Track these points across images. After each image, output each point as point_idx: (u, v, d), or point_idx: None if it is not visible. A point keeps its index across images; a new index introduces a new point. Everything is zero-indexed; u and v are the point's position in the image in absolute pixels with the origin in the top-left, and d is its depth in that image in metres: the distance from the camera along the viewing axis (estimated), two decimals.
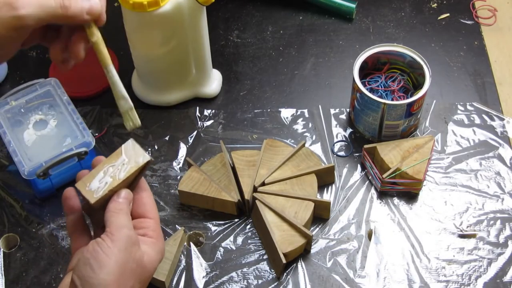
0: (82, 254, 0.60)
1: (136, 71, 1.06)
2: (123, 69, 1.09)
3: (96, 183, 0.65)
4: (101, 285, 0.57)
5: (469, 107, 1.02)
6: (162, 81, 1.02)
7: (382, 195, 0.93)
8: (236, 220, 0.92)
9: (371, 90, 0.98)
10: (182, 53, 0.98)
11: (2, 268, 0.88)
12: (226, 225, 0.91)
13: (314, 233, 0.90)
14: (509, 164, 0.95)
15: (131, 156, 0.67)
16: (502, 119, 1.00)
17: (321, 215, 0.91)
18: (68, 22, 0.62)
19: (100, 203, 0.65)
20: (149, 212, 0.66)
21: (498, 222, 0.90)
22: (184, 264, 0.88)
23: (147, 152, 0.99)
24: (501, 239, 0.88)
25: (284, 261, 0.83)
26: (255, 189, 0.91)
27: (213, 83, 1.05)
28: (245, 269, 0.87)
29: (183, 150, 1.00)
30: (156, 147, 1.00)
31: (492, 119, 1.00)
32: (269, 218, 0.87)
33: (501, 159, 0.96)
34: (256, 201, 0.89)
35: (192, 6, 0.92)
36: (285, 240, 0.85)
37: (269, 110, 1.04)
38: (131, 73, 1.07)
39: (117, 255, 0.59)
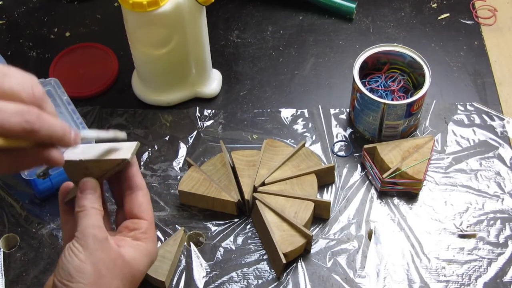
0: (61, 258, 0.61)
1: (136, 71, 1.06)
2: (123, 69, 1.10)
3: (79, 148, 0.64)
4: None
5: (469, 107, 1.02)
6: (162, 81, 1.02)
7: (382, 195, 0.93)
8: (236, 220, 0.92)
9: (371, 90, 0.98)
10: (182, 53, 0.98)
11: (2, 268, 0.88)
12: (226, 225, 0.91)
13: (314, 233, 0.90)
14: (509, 164, 0.95)
15: (122, 151, 0.66)
16: (502, 119, 1.00)
17: (321, 215, 0.91)
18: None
19: (69, 167, 0.65)
20: (143, 212, 0.65)
21: (498, 222, 0.90)
22: (184, 264, 0.88)
23: (148, 152, 0.99)
24: (501, 239, 0.88)
25: (284, 261, 0.83)
26: (255, 189, 0.91)
27: (213, 83, 1.05)
28: (245, 269, 0.87)
29: (183, 150, 1.00)
30: (156, 147, 1.00)
31: (492, 119, 1.00)
32: (269, 218, 0.87)
33: (501, 159, 0.96)
34: (256, 201, 0.89)
35: (192, 6, 0.92)
36: (285, 240, 0.85)
37: (269, 110, 1.04)
38: (131, 73, 1.07)
39: (89, 258, 0.59)
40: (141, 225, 0.64)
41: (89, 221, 0.61)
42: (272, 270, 0.86)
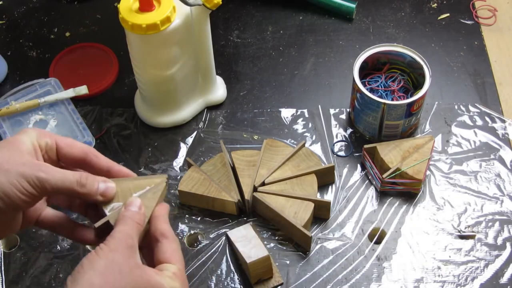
0: None
1: (140, 95, 1.03)
2: (122, 69, 1.10)
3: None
4: (86, 282, 0.56)
5: (471, 108, 1.02)
6: (173, 100, 0.99)
7: (382, 195, 0.93)
8: (236, 220, 0.92)
9: (371, 90, 0.98)
10: (191, 65, 0.96)
11: (2, 268, 0.88)
12: (226, 225, 0.91)
13: (314, 233, 0.90)
14: (509, 166, 0.95)
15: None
16: (504, 121, 1.00)
17: (321, 215, 0.91)
18: (81, 198, 0.64)
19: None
20: (170, 258, 0.63)
21: (497, 224, 0.90)
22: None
23: (148, 152, 0.99)
24: (499, 241, 0.88)
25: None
26: (255, 189, 0.91)
27: (219, 88, 1.04)
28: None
29: (183, 150, 1.00)
30: (156, 147, 1.00)
31: (494, 121, 1.00)
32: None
33: (501, 161, 0.96)
34: (256, 194, 0.90)
35: (199, 14, 0.91)
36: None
37: (269, 110, 1.04)
38: (131, 73, 1.06)
39: (107, 254, 0.58)
40: (169, 268, 0.62)
41: (123, 227, 0.61)
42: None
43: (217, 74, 1.05)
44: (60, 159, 0.64)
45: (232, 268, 0.87)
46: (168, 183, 0.67)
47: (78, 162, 0.65)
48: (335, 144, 0.99)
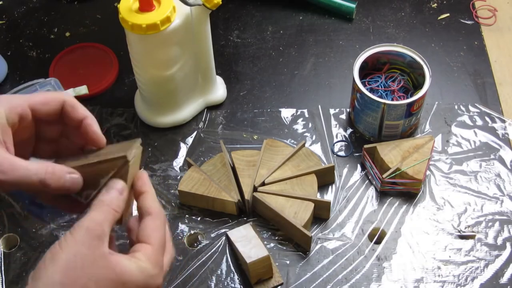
0: None
1: (140, 95, 1.03)
2: (122, 69, 1.10)
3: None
4: (47, 279, 0.54)
5: (471, 108, 1.02)
6: (174, 100, 0.99)
7: (382, 195, 0.93)
8: (236, 220, 0.92)
9: (371, 90, 0.98)
10: (191, 65, 0.96)
11: (2, 268, 0.88)
12: (226, 225, 0.91)
13: (314, 233, 0.90)
14: (509, 167, 0.95)
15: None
16: (504, 121, 1.00)
17: (321, 215, 0.91)
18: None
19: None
20: (146, 236, 0.59)
21: (497, 224, 0.90)
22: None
23: (148, 152, 0.99)
24: (499, 241, 0.88)
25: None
26: (255, 189, 0.91)
27: (219, 88, 1.04)
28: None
29: (183, 150, 1.00)
30: (156, 147, 1.00)
31: (494, 121, 1.00)
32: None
33: (501, 161, 0.96)
34: (256, 194, 0.90)
35: (199, 14, 0.91)
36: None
37: (269, 110, 1.04)
38: (131, 73, 1.06)
39: (71, 248, 0.55)
40: (142, 248, 0.59)
41: (95, 214, 0.57)
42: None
43: (217, 74, 1.05)
44: (37, 121, 0.61)
45: (232, 268, 0.87)
46: (143, 149, 0.62)
47: (56, 117, 0.62)
48: (335, 144, 0.99)
